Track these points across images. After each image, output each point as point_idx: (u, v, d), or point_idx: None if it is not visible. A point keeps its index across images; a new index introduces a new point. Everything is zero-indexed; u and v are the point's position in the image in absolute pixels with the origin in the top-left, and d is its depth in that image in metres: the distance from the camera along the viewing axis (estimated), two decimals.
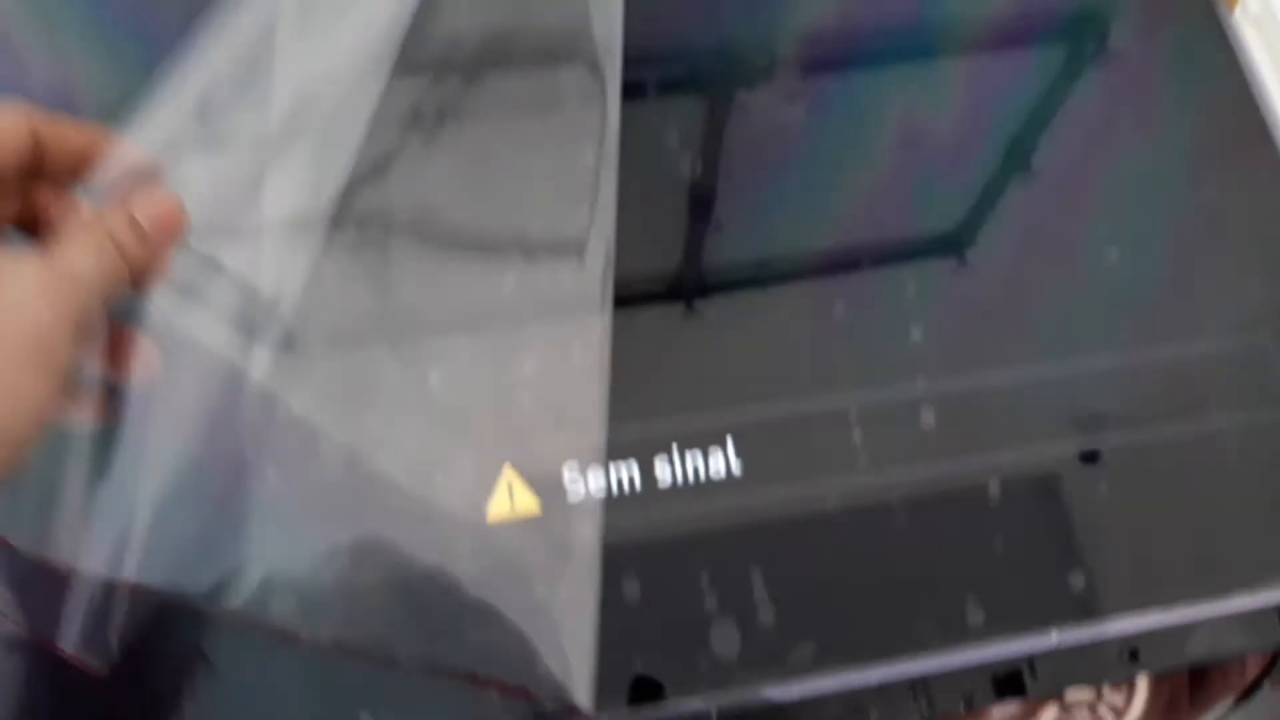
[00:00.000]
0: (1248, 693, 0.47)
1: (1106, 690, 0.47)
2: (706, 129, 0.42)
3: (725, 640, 0.34)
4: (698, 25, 0.43)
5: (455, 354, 0.36)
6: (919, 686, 0.35)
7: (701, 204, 0.40)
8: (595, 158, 0.37)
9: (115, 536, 0.31)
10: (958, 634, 0.35)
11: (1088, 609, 0.36)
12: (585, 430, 0.35)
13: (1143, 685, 0.47)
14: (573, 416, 0.36)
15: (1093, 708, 0.47)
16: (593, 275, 0.36)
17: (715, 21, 0.43)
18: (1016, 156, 0.42)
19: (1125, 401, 0.38)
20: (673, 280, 0.39)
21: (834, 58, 0.44)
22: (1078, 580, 0.36)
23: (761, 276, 0.39)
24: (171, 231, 0.30)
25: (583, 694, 0.33)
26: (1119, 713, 0.47)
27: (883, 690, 0.35)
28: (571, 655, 0.33)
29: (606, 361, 0.35)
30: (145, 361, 0.31)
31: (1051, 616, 0.36)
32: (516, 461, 0.35)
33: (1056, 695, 0.44)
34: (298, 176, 0.35)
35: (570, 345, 0.36)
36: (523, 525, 0.34)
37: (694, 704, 0.34)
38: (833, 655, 0.34)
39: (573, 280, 0.36)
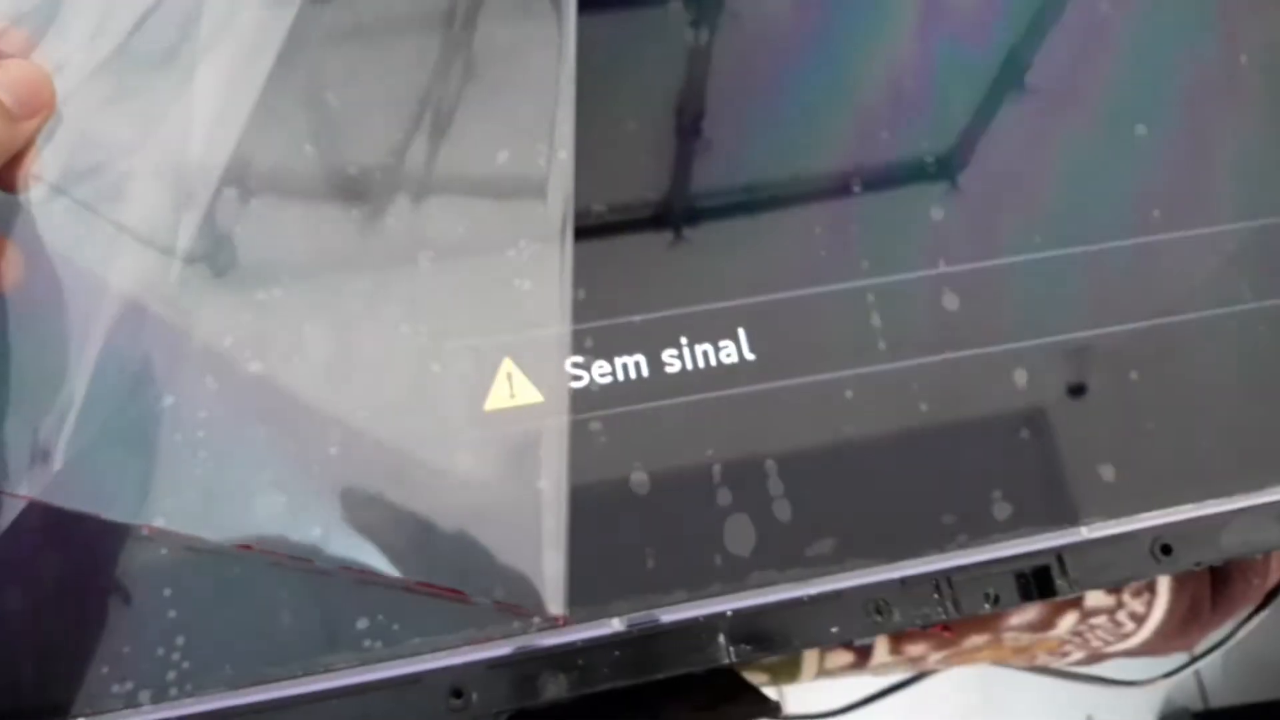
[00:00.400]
0: (1269, 599, 0.46)
1: (1127, 597, 0.45)
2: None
3: (739, 536, 0.32)
4: None
5: (419, 270, 0.33)
6: (943, 584, 0.33)
7: (701, 106, 0.38)
8: (554, 61, 0.35)
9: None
10: (984, 529, 0.33)
11: (1118, 502, 0.34)
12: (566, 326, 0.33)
13: (1164, 591, 0.46)
14: (556, 315, 0.33)
15: (1113, 614, 0.45)
16: (559, 180, 0.34)
17: None
18: (1035, 36, 0.39)
19: (1158, 286, 0.36)
20: (675, 176, 0.37)
21: None
22: (1108, 472, 0.34)
23: (774, 166, 0.37)
24: (36, 107, 0.26)
25: (555, 599, 0.31)
26: (1140, 619, 0.45)
27: (906, 588, 0.33)
28: (548, 556, 0.31)
29: (570, 257, 0.33)
30: (11, 268, 0.28)
31: (1081, 510, 0.34)
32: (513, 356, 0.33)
33: (1082, 595, 0.43)
34: (213, 89, 0.32)
35: (540, 246, 0.33)
36: (521, 412, 0.32)
37: (708, 603, 0.32)
38: (853, 551, 0.33)
39: (537, 182, 0.34)
